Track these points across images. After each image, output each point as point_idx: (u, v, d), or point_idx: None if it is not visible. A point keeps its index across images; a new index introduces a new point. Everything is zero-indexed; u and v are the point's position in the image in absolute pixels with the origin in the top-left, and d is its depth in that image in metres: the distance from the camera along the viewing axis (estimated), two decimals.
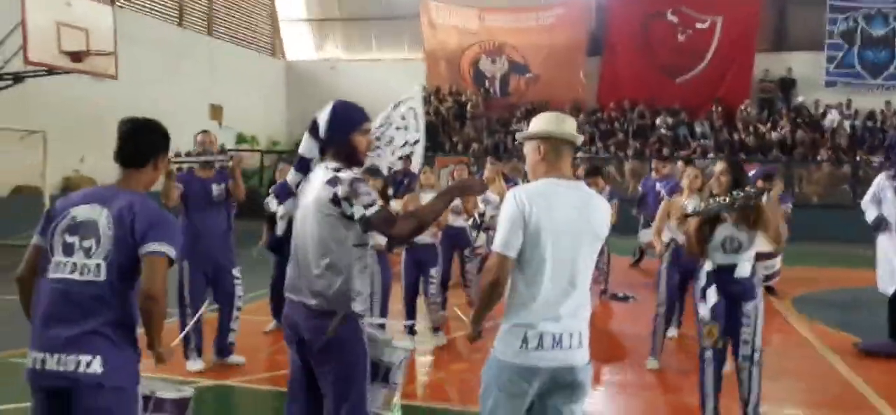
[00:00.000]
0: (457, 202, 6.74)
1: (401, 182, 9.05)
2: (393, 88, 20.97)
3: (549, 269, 2.56)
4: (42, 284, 2.51)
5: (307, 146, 2.97)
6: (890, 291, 6.32)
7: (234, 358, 5.57)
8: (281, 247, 5.32)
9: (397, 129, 9.01)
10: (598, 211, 2.70)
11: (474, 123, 20.04)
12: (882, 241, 6.38)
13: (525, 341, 2.56)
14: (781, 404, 5.06)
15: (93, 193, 2.63)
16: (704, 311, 4.30)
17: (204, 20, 20.47)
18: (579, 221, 2.61)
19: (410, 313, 6.40)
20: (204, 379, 5.24)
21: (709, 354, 4.29)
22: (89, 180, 15.07)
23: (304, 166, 2.97)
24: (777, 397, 5.09)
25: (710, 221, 4.25)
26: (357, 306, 2.84)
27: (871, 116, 18.57)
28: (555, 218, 2.57)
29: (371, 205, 2.74)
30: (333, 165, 2.85)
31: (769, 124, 18.73)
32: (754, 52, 19.70)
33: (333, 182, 2.78)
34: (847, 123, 18.38)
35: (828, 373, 5.87)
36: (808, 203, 16.40)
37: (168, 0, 19.04)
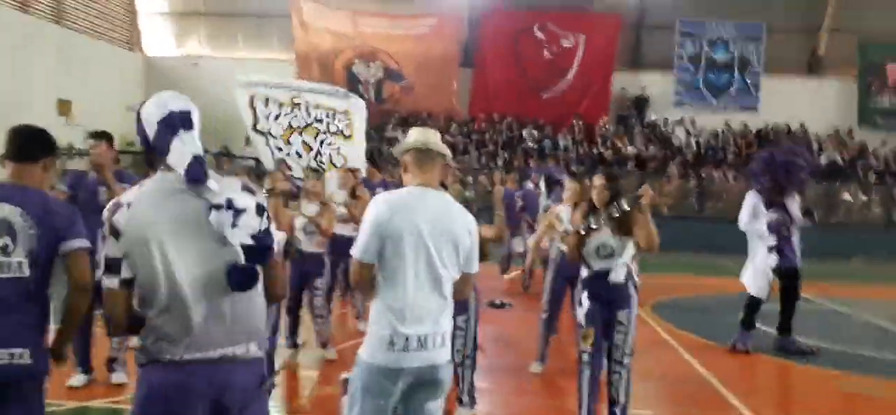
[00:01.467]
0: (342, 210, 6.64)
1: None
2: None
3: (411, 273, 2.68)
4: None
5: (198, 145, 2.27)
6: (751, 291, 7.18)
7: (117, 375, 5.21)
8: None
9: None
10: (459, 218, 2.83)
11: None
12: (757, 247, 7.18)
13: (392, 343, 2.67)
14: (647, 404, 5.41)
15: None
16: (580, 315, 4.54)
17: (52, 7, 18.82)
18: (439, 227, 2.74)
19: (294, 326, 6.21)
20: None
21: (586, 357, 4.51)
22: None
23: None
24: (643, 396, 5.45)
25: (587, 231, 4.49)
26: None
27: (714, 135, 20.33)
28: (415, 224, 2.70)
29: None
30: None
31: (625, 140, 20.01)
32: (613, 70, 21.00)
33: (252, 190, 2.27)
34: (693, 141, 20.02)
35: (688, 373, 6.35)
36: (658, 214, 17.61)
37: None
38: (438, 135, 3.00)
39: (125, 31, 21.94)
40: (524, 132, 20.13)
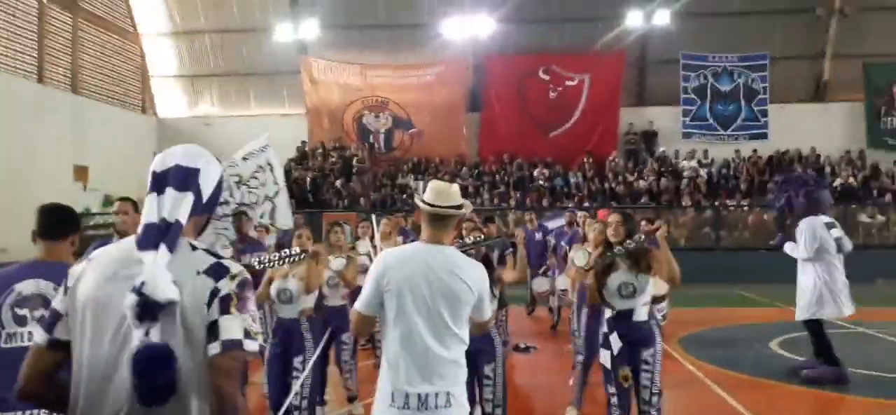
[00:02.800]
0: (365, 260, 6.67)
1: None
2: (273, 143, 20.67)
3: (412, 330, 2.70)
4: None
5: (187, 210, 1.87)
6: (803, 317, 7.13)
7: None
8: None
9: (249, 184, 8.79)
10: (462, 274, 2.82)
11: (361, 177, 20.01)
12: (806, 273, 7.15)
13: (392, 399, 2.69)
14: None
15: (31, 268, 2.88)
16: (605, 357, 4.53)
17: (67, 77, 19.24)
18: (440, 285, 2.74)
19: (321, 383, 6.19)
20: None
21: (615, 399, 4.52)
22: None
23: (175, 242, 1.81)
24: None
25: (604, 270, 4.51)
26: None
27: (725, 164, 20.36)
28: (416, 282, 2.74)
29: (253, 335, 1.77)
30: (200, 244, 1.91)
31: (636, 174, 20.06)
32: (619, 107, 21.15)
33: (218, 271, 1.79)
34: (704, 171, 20.04)
35: (722, 408, 6.28)
36: (675, 247, 17.57)
37: (26, 56, 17.76)
38: (456, 188, 3.02)
39: (138, 95, 22.35)
40: (535, 171, 20.22)
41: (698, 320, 10.77)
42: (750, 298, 13.91)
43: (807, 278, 7.13)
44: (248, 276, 1.85)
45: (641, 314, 4.50)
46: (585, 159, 20.48)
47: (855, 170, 19.73)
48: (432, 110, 21.16)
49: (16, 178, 16.07)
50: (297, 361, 4.97)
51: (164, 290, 1.68)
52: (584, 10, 20.29)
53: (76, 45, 19.45)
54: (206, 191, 1.93)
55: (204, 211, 1.95)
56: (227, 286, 1.76)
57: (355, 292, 6.18)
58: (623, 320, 4.48)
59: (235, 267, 1.83)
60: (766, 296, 13.87)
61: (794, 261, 7.37)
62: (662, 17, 20.15)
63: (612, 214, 4.78)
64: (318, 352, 5.16)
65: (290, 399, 4.86)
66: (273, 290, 5.03)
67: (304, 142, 21.54)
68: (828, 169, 19.60)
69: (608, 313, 4.56)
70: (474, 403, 4.60)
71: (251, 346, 1.73)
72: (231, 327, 1.71)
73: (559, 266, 9.41)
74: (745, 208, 18.95)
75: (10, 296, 2.80)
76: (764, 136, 20.81)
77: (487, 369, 4.58)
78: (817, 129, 20.42)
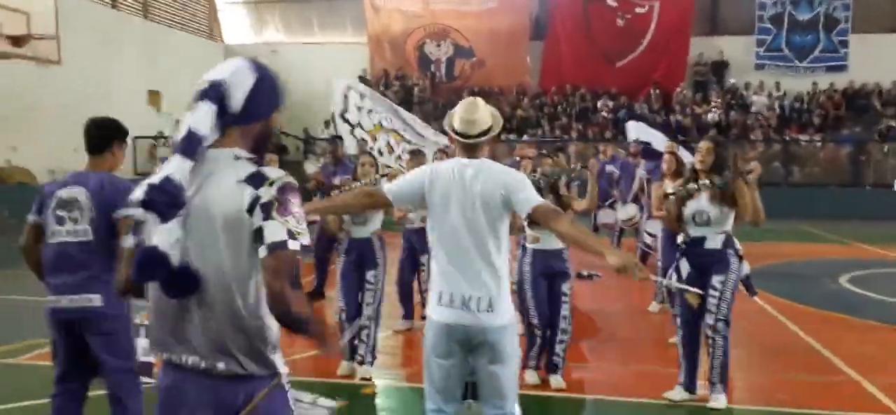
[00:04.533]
0: None
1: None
2: (335, 75, 20.87)
3: (449, 236, 2.85)
4: (45, 250, 3.31)
5: (206, 119, 1.91)
6: None
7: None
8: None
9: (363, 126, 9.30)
10: (491, 179, 2.85)
11: (422, 107, 20.07)
12: None
13: (440, 298, 2.87)
14: (751, 369, 5.40)
15: (72, 177, 3.38)
16: (675, 279, 4.58)
17: (139, 3, 19.72)
18: (470, 193, 2.83)
19: (407, 304, 6.42)
20: None
21: (679, 320, 4.64)
22: (24, 172, 14.41)
23: (195, 149, 1.90)
24: (747, 363, 5.44)
25: (685, 196, 4.51)
26: (282, 366, 1.98)
27: (798, 97, 19.57)
28: (450, 192, 2.86)
29: (296, 235, 1.85)
30: (244, 153, 1.97)
31: (704, 107, 19.49)
32: (689, 36, 20.43)
33: (256, 180, 1.87)
34: (777, 105, 19.33)
35: (789, 339, 6.27)
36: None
37: None
38: (484, 111, 2.98)
39: (205, 22, 22.76)
40: (599, 103, 19.87)
41: (766, 253, 10.61)
42: (819, 235, 13.58)
43: None
44: (290, 180, 1.92)
45: (716, 242, 4.49)
46: (652, 91, 19.98)
47: None
48: (494, 38, 20.90)
49: (94, 104, 16.73)
50: (369, 274, 5.16)
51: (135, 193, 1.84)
52: None
53: None
54: (235, 100, 1.95)
55: (240, 120, 1.97)
56: (267, 193, 1.84)
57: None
58: (694, 247, 4.51)
59: (275, 173, 1.91)
60: (836, 233, 13.52)
61: (865, 198, 7.09)
62: None
63: (702, 142, 4.73)
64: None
65: (364, 313, 5.09)
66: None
67: (365, 70, 21.66)
68: None
69: (681, 238, 4.60)
70: (557, 315, 4.91)
71: (295, 245, 1.83)
72: (274, 231, 1.82)
73: (623, 198, 9.36)
74: (819, 144, 18.27)
75: (53, 201, 3.29)
76: (843, 68, 19.85)
77: (565, 287, 4.95)
78: None
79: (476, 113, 2.95)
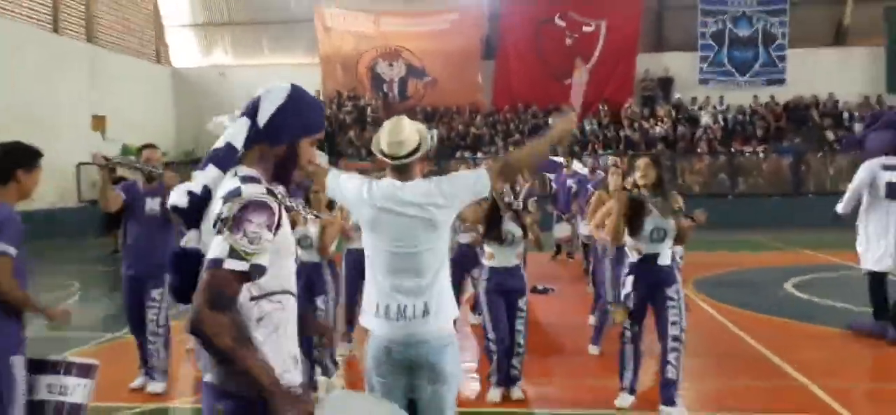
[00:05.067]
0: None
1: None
2: None
3: (384, 252, 2.80)
4: None
5: (241, 133, 1.99)
6: (872, 268, 6.50)
7: (152, 385, 5.22)
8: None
9: None
10: (409, 191, 2.79)
11: (375, 127, 20.05)
12: (870, 221, 6.52)
13: (377, 309, 2.79)
14: (704, 377, 5.51)
15: None
16: (623, 295, 4.71)
17: (81, 26, 19.26)
18: (392, 208, 2.77)
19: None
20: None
21: (628, 334, 4.72)
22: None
23: (229, 161, 1.98)
24: (700, 371, 5.54)
25: (636, 213, 4.57)
26: (290, 377, 1.94)
27: (741, 110, 20.21)
28: (387, 207, 2.78)
29: (243, 255, 1.78)
30: (249, 172, 1.95)
31: (651, 121, 19.96)
32: (636, 53, 20.94)
33: (229, 195, 1.87)
34: (720, 118, 19.90)
35: (742, 346, 6.41)
36: (690, 193, 17.62)
37: (40, 5, 17.77)
38: (411, 129, 2.89)
39: (152, 45, 22.36)
40: (549, 119, 20.14)
41: (714, 263, 10.88)
42: (764, 243, 13.99)
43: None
44: (263, 200, 1.85)
45: (666, 258, 4.60)
46: (601, 107, 20.37)
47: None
48: (446, 58, 21.06)
49: (37, 128, 16.23)
50: (319, 300, 5.15)
51: (171, 197, 1.97)
52: None
53: None
54: (262, 118, 1.99)
55: (262, 138, 1.99)
56: (229, 209, 1.81)
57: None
58: (648, 264, 4.58)
59: (252, 190, 1.86)
60: (780, 241, 13.94)
61: (806, 206, 7.31)
62: None
63: (641, 158, 4.83)
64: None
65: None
66: (295, 235, 5.12)
67: (317, 91, 21.54)
68: (845, 115, 19.41)
69: (633, 256, 4.66)
70: (513, 331, 4.92)
71: (234, 264, 1.77)
72: (217, 247, 1.79)
73: (581, 212, 9.50)
74: (761, 155, 18.86)
75: None
76: (782, 81, 20.60)
77: (521, 302, 4.99)
78: (837, 74, 20.16)
79: (402, 133, 2.84)
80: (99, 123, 18.94)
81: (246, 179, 1.91)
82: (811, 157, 18.57)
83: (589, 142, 19.34)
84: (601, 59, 20.95)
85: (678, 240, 4.66)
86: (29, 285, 3.26)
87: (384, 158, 2.87)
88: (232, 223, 1.79)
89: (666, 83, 21.17)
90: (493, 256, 4.99)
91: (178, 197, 1.95)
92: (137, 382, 5.29)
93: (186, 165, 19.56)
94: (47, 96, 16.93)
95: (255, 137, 1.99)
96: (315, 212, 5.03)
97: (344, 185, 2.93)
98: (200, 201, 1.94)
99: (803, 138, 19.09)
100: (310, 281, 5.12)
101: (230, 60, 22.79)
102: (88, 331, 7.34)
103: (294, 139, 2.01)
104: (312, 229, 5.15)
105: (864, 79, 20.39)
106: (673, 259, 4.71)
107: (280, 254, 1.92)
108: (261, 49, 22.74)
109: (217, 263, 1.77)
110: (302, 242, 5.11)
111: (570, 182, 9.80)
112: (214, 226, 1.83)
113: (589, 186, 9.13)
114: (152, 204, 5.19)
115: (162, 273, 5.19)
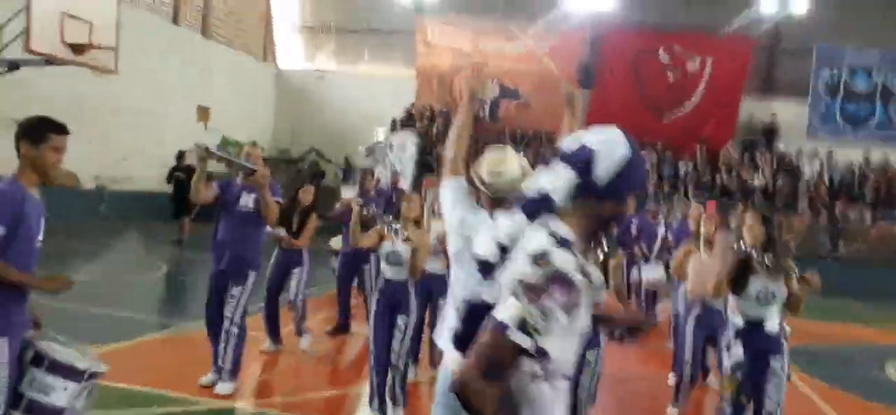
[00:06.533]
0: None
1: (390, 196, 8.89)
2: (381, 106, 21.07)
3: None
4: None
5: (564, 186, 1.82)
6: None
7: (221, 385, 5.30)
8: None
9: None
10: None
11: None
12: None
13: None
14: None
15: None
16: (727, 364, 4.34)
17: (198, 20, 20.26)
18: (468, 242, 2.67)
19: (416, 351, 6.27)
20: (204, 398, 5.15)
21: (729, 410, 4.31)
22: (70, 175, 14.73)
23: (539, 213, 1.84)
24: None
25: (741, 273, 4.22)
26: None
27: (849, 168, 19.03)
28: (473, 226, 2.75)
29: (527, 330, 1.63)
30: (563, 233, 1.77)
31: (751, 169, 19.08)
32: (741, 95, 20.09)
33: (540, 260, 1.70)
34: (826, 175, 18.81)
35: None
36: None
37: None
38: (514, 162, 2.86)
39: (260, 44, 23.26)
40: (642, 154, 19.63)
41: (808, 331, 10.19)
42: (864, 316, 13.05)
43: None
44: (572, 279, 1.68)
45: (774, 324, 4.22)
46: (698, 147, 19.66)
47: None
48: (542, 82, 20.84)
49: (147, 114, 17.19)
50: (400, 319, 5.08)
51: (478, 245, 1.90)
52: None
53: None
54: (602, 176, 1.80)
55: (591, 195, 1.81)
56: (534, 274, 1.66)
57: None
58: (753, 330, 4.22)
59: (563, 260, 1.68)
60: (883, 315, 12.98)
61: None
62: (799, 5, 18.89)
63: (749, 213, 4.50)
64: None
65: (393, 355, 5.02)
66: (382, 251, 5.13)
67: (412, 104, 21.82)
68: None
69: (738, 321, 4.29)
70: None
71: (520, 339, 1.61)
72: (507, 310, 1.66)
73: (645, 258, 9.16)
74: (869, 220, 17.68)
75: None
76: None
77: (590, 355, 4.56)
78: None
79: (504, 165, 2.81)
80: (203, 114, 19.83)
81: (560, 243, 1.73)
82: None
83: (680, 184, 18.69)
84: (704, 98, 20.24)
85: (791, 307, 4.24)
86: (33, 265, 3.06)
87: (482, 188, 2.83)
88: (532, 292, 1.64)
89: (770, 130, 20.21)
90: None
91: (487, 249, 1.83)
92: (208, 378, 5.39)
93: (279, 162, 20.20)
94: (161, 84, 17.84)
95: (584, 193, 1.81)
96: (406, 233, 5.04)
97: (461, 184, 2.93)
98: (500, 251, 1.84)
99: None
100: (394, 300, 5.08)
101: (332, 66, 23.40)
102: (165, 317, 7.61)
103: (625, 198, 1.88)
104: (400, 246, 5.13)
105: None
106: (781, 328, 4.36)
107: (569, 336, 1.75)
108: (361, 57, 23.25)
109: (503, 327, 1.63)
110: (390, 258, 5.10)
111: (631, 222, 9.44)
112: (513, 282, 1.69)
113: (658, 230, 8.81)
114: (247, 199, 5.31)
115: (247, 270, 5.32)
